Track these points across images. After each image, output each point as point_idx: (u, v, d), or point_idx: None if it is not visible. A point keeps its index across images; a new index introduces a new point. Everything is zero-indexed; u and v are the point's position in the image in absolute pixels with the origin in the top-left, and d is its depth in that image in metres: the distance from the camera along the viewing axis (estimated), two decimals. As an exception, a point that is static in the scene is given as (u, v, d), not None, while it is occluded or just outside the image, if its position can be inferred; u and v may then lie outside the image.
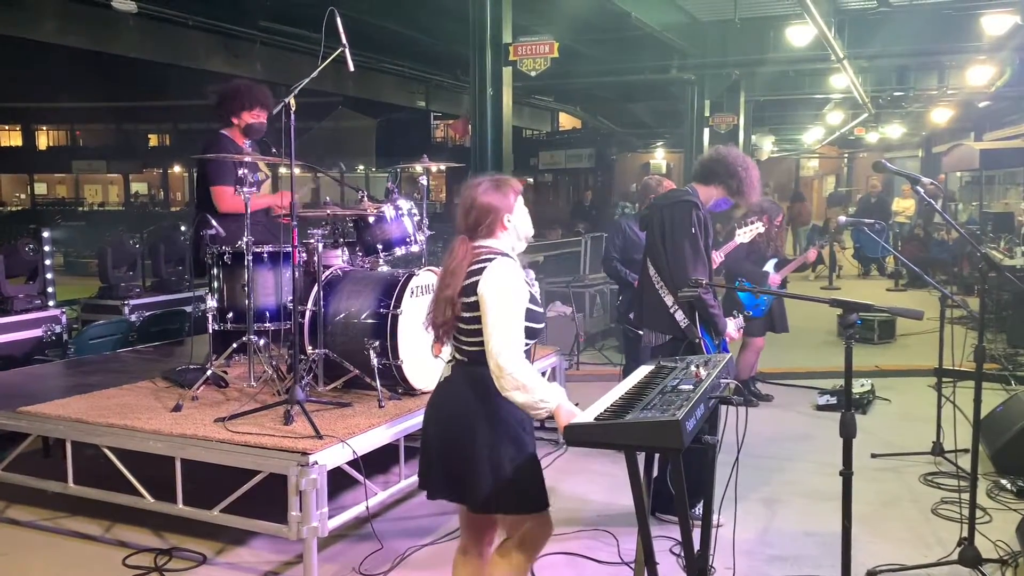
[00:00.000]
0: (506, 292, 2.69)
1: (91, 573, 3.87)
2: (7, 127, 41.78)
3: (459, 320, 2.79)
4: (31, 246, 6.12)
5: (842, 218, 5.81)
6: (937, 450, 5.30)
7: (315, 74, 4.07)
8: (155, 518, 4.18)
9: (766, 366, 7.42)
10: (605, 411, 2.52)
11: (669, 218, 4.24)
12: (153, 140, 41.85)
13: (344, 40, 4.19)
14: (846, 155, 33.01)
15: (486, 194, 2.85)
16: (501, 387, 2.65)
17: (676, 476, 2.59)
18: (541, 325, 2.87)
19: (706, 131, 15.91)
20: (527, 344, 2.78)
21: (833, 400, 6.59)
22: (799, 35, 11.43)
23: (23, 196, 41.84)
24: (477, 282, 2.73)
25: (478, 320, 2.72)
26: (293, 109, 3.85)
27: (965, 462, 5.24)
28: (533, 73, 8.70)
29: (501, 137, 8.75)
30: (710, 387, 2.72)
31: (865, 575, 3.79)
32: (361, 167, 33.90)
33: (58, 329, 6.05)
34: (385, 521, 4.48)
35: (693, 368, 2.89)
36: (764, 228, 5.83)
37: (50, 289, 6.30)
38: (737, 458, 2.92)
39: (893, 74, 17.33)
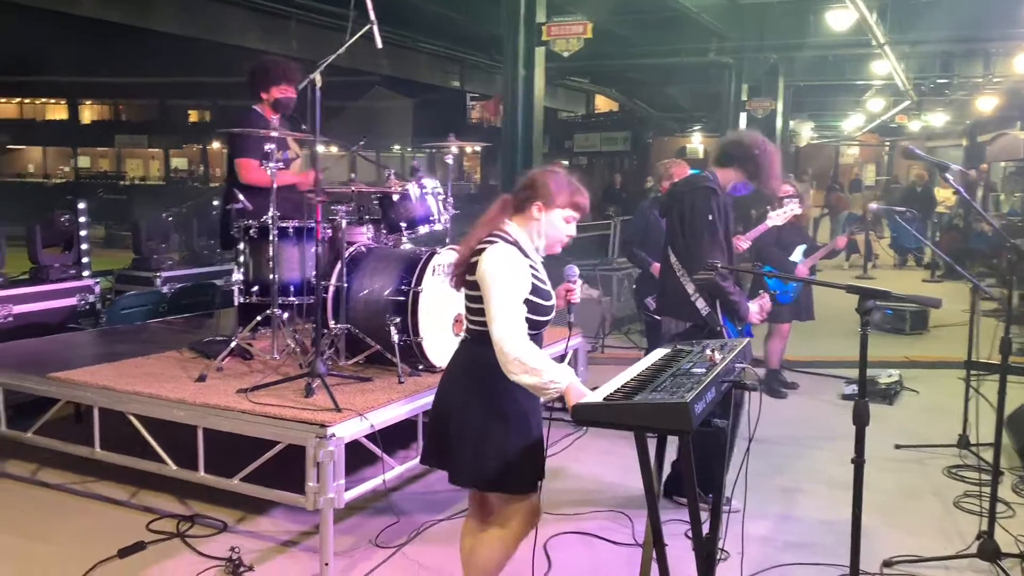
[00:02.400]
0: (501, 277, 2.71)
1: (116, 536, 3.95)
2: (52, 101, 42.49)
3: (466, 298, 2.86)
4: (66, 217, 6.23)
5: (873, 205, 5.74)
6: (963, 443, 5.23)
7: (342, 51, 4.09)
8: (180, 486, 4.26)
9: (793, 354, 7.36)
10: (615, 391, 2.52)
11: (689, 205, 4.21)
12: (193, 116, 42.30)
13: (372, 16, 4.20)
14: (887, 143, 32.40)
15: (549, 176, 2.87)
16: (509, 372, 2.67)
17: (685, 459, 2.60)
18: (546, 318, 2.87)
19: (743, 116, 15.72)
20: (534, 332, 2.80)
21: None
22: (839, 19, 11.22)
23: (67, 169, 42.55)
24: (478, 262, 2.77)
25: (479, 299, 2.77)
26: (319, 86, 3.87)
27: (991, 455, 5.18)
28: (566, 54, 8.67)
29: (532, 118, 8.75)
30: (723, 371, 2.70)
31: (881, 565, 3.77)
32: (397, 147, 34.00)
33: (91, 299, 6.17)
34: (405, 495, 4.55)
35: (708, 352, 2.88)
36: (801, 210, 5.76)
37: (85, 259, 6.42)
38: (749, 446, 2.92)
39: (937, 61, 16.99)
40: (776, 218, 5.21)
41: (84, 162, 43.49)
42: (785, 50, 14.58)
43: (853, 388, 6.57)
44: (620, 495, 4.60)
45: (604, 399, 2.47)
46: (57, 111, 42.84)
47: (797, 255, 6.58)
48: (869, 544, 4.02)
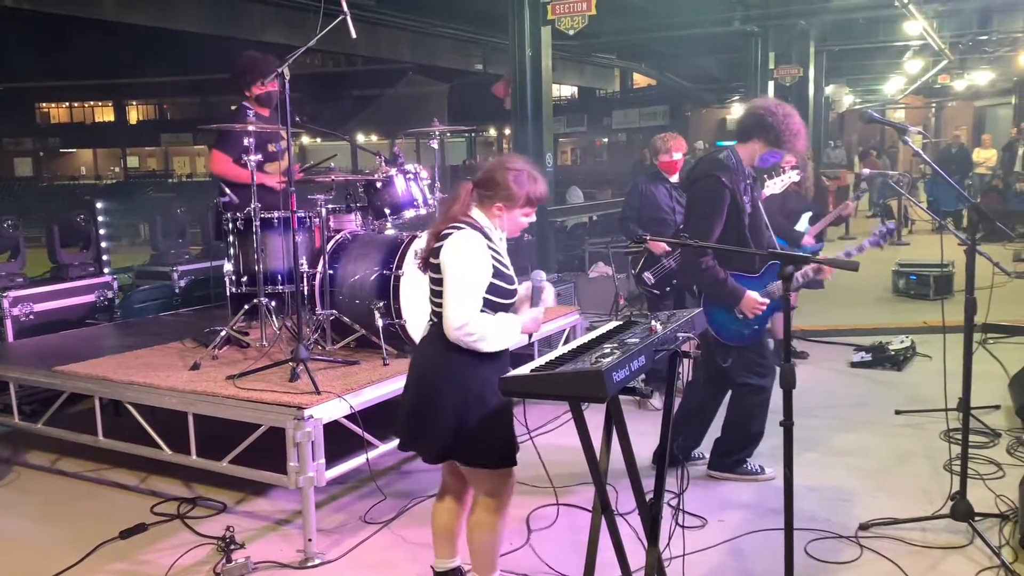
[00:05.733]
0: (461, 262, 2.80)
1: (123, 519, 4.14)
2: (100, 103, 43.63)
3: (431, 281, 2.93)
4: (82, 217, 6.46)
5: (865, 170, 5.65)
6: (963, 406, 5.15)
7: (312, 43, 4.20)
8: (186, 471, 4.45)
9: (803, 323, 7.33)
10: (545, 363, 2.59)
11: (689, 198, 4.23)
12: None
13: (345, 7, 4.30)
14: (933, 104, 31.55)
15: (510, 176, 2.92)
16: (460, 342, 2.80)
17: (614, 426, 2.67)
18: (508, 301, 2.96)
19: (771, 84, 15.48)
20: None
21: (868, 357, 6.47)
22: (857, -20, 10.96)
23: (117, 170, 43.72)
24: (441, 247, 2.85)
25: (441, 282, 2.85)
26: (288, 79, 3.99)
27: (993, 419, 5.13)
28: (571, 32, 8.66)
29: (541, 98, 8.77)
30: (658, 340, 2.75)
31: (857, 528, 3.78)
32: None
33: (110, 294, 6.40)
34: (400, 475, 4.68)
35: (653, 323, 2.93)
36: (799, 178, 5.72)
37: (104, 257, 6.66)
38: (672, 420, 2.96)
39: (974, 16, 16.52)
40: (773, 186, 5.18)
41: (133, 162, 44.62)
42: (810, 15, 14.31)
43: (862, 355, 6.52)
44: (616, 467, 4.63)
45: (531, 371, 2.54)
46: (105, 113, 43.98)
47: (803, 224, 6.51)
48: (851, 508, 4.06)
